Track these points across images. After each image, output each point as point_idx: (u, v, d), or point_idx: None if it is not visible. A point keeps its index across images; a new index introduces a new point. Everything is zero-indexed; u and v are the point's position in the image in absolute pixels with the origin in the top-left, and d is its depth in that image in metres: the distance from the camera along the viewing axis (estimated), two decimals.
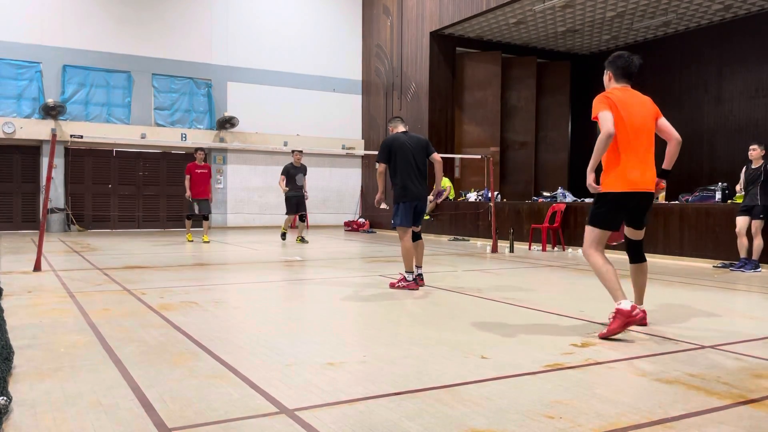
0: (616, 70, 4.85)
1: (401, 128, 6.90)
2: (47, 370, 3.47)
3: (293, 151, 13.11)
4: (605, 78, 4.92)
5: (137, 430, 2.62)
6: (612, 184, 4.54)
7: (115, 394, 3.07)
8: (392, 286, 6.78)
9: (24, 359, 3.66)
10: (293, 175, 12.85)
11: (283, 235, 13.04)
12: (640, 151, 4.63)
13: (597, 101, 4.62)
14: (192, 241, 13.08)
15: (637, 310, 4.33)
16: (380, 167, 6.86)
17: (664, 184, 4.91)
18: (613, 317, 4.31)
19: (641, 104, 4.75)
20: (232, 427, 2.66)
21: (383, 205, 7.11)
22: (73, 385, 3.21)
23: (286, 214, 12.95)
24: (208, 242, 13.07)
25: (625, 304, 4.29)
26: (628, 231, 4.83)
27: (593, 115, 4.59)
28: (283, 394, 3.09)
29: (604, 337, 4.29)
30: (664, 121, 4.90)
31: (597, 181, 4.63)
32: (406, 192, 6.66)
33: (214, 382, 3.28)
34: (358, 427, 2.66)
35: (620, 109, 4.59)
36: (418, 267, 6.87)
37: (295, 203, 12.77)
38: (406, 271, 6.71)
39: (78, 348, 3.97)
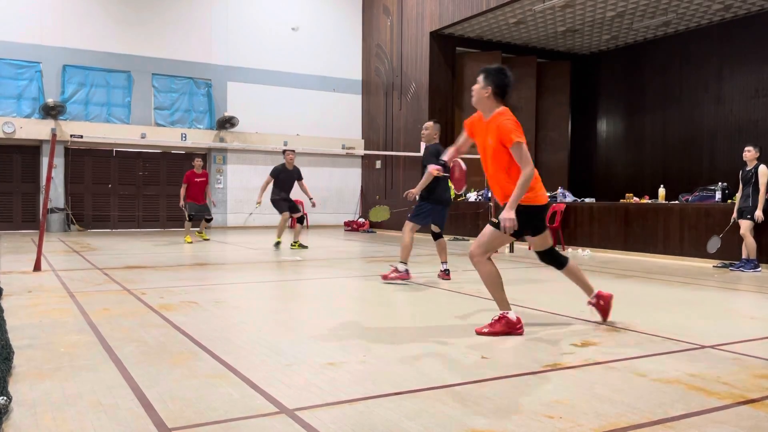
0: (502, 88, 4.42)
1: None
2: (47, 370, 3.47)
3: (285, 151, 11.45)
4: (484, 92, 4.42)
5: (137, 430, 2.62)
6: (541, 197, 4.51)
7: (115, 394, 3.07)
8: (385, 277, 7.12)
9: (24, 359, 3.66)
10: (283, 179, 11.17)
11: (277, 244, 11.34)
12: None
13: (513, 122, 4.32)
14: (191, 242, 12.78)
15: (521, 324, 4.46)
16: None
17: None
18: (498, 320, 4.45)
19: None
20: (232, 427, 2.66)
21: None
22: (73, 385, 3.21)
23: (280, 212, 11.31)
24: (208, 239, 13.10)
25: (513, 315, 4.45)
26: (532, 242, 4.74)
27: (515, 137, 4.25)
28: (283, 394, 3.09)
29: (480, 333, 4.42)
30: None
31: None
32: (443, 196, 7.23)
33: (214, 382, 3.27)
34: (358, 427, 2.66)
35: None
36: (444, 263, 7.44)
37: (287, 203, 11.27)
38: (400, 262, 7.10)
39: (78, 348, 3.97)
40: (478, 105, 4.51)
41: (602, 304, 4.85)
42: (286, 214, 11.21)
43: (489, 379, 3.39)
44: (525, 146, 4.29)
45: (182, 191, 12.77)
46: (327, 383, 3.30)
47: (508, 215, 4.25)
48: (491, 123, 4.42)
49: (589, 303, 4.89)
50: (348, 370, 3.57)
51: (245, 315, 5.36)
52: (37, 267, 7.85)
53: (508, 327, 4.41)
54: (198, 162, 12.99)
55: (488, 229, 4.46)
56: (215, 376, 3.40)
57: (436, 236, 7.55)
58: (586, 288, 4.86)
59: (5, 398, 2.79)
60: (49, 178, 8.67)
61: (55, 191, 15.93)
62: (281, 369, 3.55)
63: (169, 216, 17.82)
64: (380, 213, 9.81)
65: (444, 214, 7.37)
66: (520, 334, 4.42)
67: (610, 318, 4.89)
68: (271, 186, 11.34)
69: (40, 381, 3.26)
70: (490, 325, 4.47)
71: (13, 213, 16.18)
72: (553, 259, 4.79)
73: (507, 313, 4.46)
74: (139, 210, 17.51)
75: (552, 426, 2.69)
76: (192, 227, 13.37)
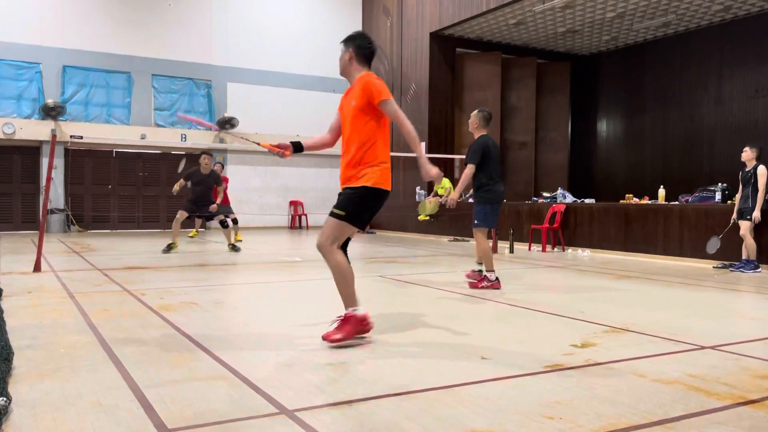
0: (361, 50, 4.25)
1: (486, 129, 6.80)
2: (47, 370, 3.47)
3: (203, 154, 10.85)
4: (346, 56, 4.27)
5: (137, 430, 2.62)
6: (383, 180, 4.12)
7: (115, 394, 3.07)
8: (475, 287, 6.61)
9: (24, 360, 3.65)
10: (196, 182, 10.58)
11: (170, 246, 10.45)
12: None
13: (380, 82, 4.13)
14: (193, 237, 13.18)
15: (369, 320, 4.08)
16: (471, 169, 6.63)
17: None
18: (345, 321, 4.02)
19: None
20: (232, 428, 2.66)
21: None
22: (73, 385, 3.21)
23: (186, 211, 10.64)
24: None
25: (360, 312, 4.03)
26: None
27: (381, 96, 4.04)
28: (283, 394, 3.09)
29: (334, 342, 3.98)
30: None
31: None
32: (497, 193, 6.70)
33: (214, 383, 3.27)
34: (358, 427, 2.66)
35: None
36: (481, 263, 6.85)
37: (195, 203, 10.69)
38: (487, 271, 6.64)
39: (78, 348, 3.97)
40: (343, 73, 4.35)
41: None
42: (181, 218, 10.69)
43: (489, 379, 3.39)
44: (392, 101, 4.07)
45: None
46: (327, 383, 3.30)
47: (430, 169, 4.10)
48: (355, 85, 4.21)
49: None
50: (348, 370, 3.57)
51: (245, 316, 5.36)
52: (37, 268, 7.84)
53: (358, 326, 4.02)
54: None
55: (331, 220, 4.14)
56: (215, 376, 3.40)
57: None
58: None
59: (5, 399, 2.79)
60: (49, 179, 8.67)
61: (55, 192, 15.93)
62: (281, 369, 3.55)
63: (169, 217, 17.79)
64: (429, 207, 9.13)
65: (497, 213, 6.85)
66: (369, 329, 4.11)
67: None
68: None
69: (40, 381, 3.26)
70: (338, 329, 4.02)
71: (13, 214, 16.18)
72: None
73: (354, 310, 4.04)
74: (139, 211, 17.50)
75: (552, 426, 2.69)
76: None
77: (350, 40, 4.30)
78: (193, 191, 10.78)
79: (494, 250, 11.53)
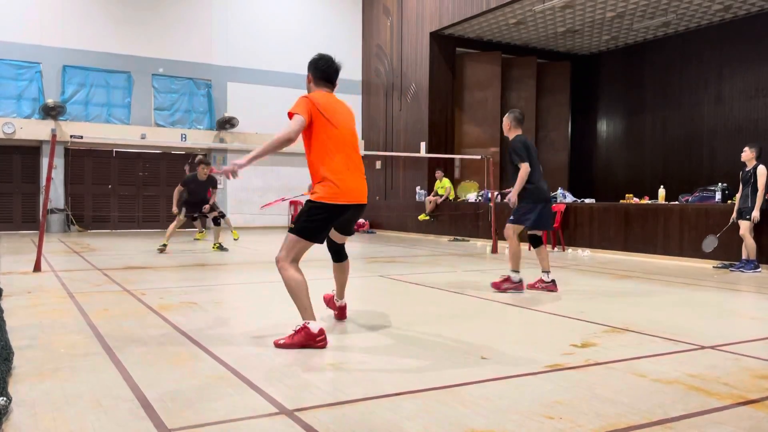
0: (316, 72, 4.34)
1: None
2: (47, 370, 3.47)
3: (200, 163, 10.92)
4: (307, 82, 4.43)
5: (137, 430, 2.62)
6: (327, 195, 4.09)
7: (115, 394, 3.07)
8: (497, 287, 6.39)
9: (24, 359, 3.65)
10: (193, 189, 10.83)
11: (164, 246, 10.70)
12: (354, 160, 4.27)
13: (300, 100, 4.17)
14: (199, 239, 13.29)
15: (323, 336, 3.98)
16: (526, 167, 6.37)
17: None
18: (297, 331, 3.98)
19: (348, 113, 4.38)
20: (232, 428, 2.66)
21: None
22: (73, 385, 3.21)
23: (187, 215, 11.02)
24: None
25: (314, 326, 3.96)
26: (334, 235, 4.64)
27: (291, 110, 4.12)
28: (283, 394, 3.09)
29: (280, 347, 3.96)
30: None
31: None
32: (539, 192, 6.46)
33: (214, 382, 3.27)
34: (358, 427, 2.66)
35: (328, 116, 4.16)
36: (547, 272, 6.58)
37: (193, 205, 11.00)
38: (512, 271, 6.39)
39: (78, 348, 3.97)
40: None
41: (339, 313, 4.99)
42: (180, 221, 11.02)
43: (489, 379, 3.39)
44: (296, 117, 4.04)
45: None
46: (327, 383, 3.30)
47: (238, 163, 4.03)
48: None
49: (334, 306, 4.99)
50: (348, 370, 3.57)
51: (245, 315, 5.36)
52: (37, 267, 7.84)
53: (306, 338, 3.94)
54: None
55: (289, 235, 4.14)
56: (215, 376, 3.40)
57: (537, 242, 6.69)
58: (341, 290, 4.95)
59: (5, 399, 2.79)
60: (49, 179, 8.67)
61: (55, 192, 15.93)
62: (281, 369, 3.55)
63: (168, 217, 17.78)
64: (468, 187, 8.84)
65: (545, 213, 6.51)
66: (321, 346, 3.95)
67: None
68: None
69: (40, 381, 3.26)
70: (289, 336, 4.01)
71: (13, 213, 16.18)
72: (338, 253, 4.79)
73: (308, 323, 3.99)
74: (139, 210, 17.50)
75: (552, 426, 2.69)
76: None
77: (309, 64, 4.39)
78: (190, 195, 10.99)
79: (494, 250, 11.53)
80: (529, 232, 6.72)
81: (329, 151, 4.15)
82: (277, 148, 4.01)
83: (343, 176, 4.14)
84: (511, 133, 6.57)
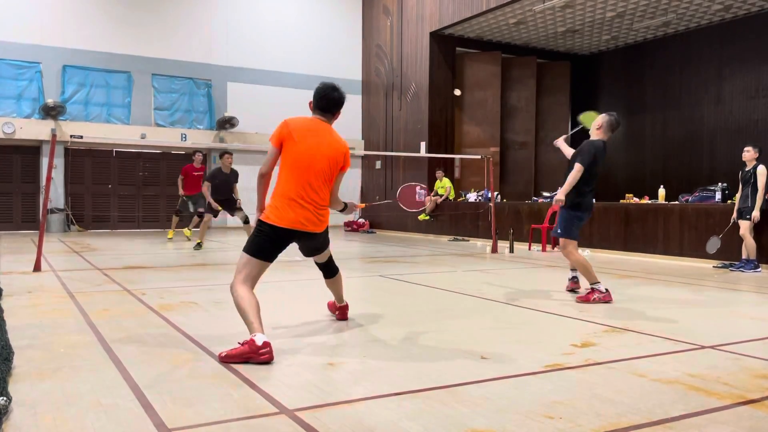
0: (314, 100, 4.45)
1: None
2: (47, 370, 3.47)
3: (226, 154, 11.18)
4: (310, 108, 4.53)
5: (137, 430, 2.62)
6: (270, 215, 4.12)
7: (115, 394, 3.07)
8: (586, 300, 5.95)
9: (24, 359, 3.66)
10: (220, 182, 11.04)
11: (199, 245, 11.18)
12: (308, 189, 4.15)
13: (279, 127, 4.34)
14: (171, 239, 13.24)
15: (267, 349, 3.71)
16: (580, 170, 6.13)
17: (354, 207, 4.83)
18: (242, 344, 3.76)
19: (329, 143, 4.29)
20: (232, 427, 2.66)
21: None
22: (73, 385, 3.21)
23: (208, 213, 11.26)
24: (190, 239, 12.91)
25: (259, 339, 3.73)
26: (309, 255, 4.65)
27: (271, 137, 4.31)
28: (283, 394, 3.09)
29: (222, 360, 3.71)
30: (340, 176, 4.41)
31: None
32: (588, 204, 6.23)
33: (214, 382, 3.28)
34: (358, 427, 2.66)
35: (297, 137, 4.21)
36: (574, 270, 6.53)
37: (220, 202, 11.15)
38: (593, 284, 6.00)
39: (78, 348, 3.97)
40: None
41: (340, 314, 5.03)
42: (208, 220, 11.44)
43: (489, 379, 3.39)
44: (271, 148, 4.25)
45: (180, 182, 13.21)
46: (327, 383, 3.31)
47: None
48: None
49: (335, 308, 5.07)
50: (348, 370, 3.57)
51: None
52: (37, 267, 7.84)
53: (250, 351, 3.70)
54: (198, 156, 13.27)
55: (241, 253, 4.14)
56: (215, 376, 3.40)
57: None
58: (339, 297, 5.00)
59: (5, 398, 2.79)
60: (49, 179, 8.67)
61: (55, 191, 15.92)
62: (281, 369, 3.55)
63: (168, 216, 17.80)
64: (590, 117, 8.54)
65: (582, 222, 6.35)
66: (265, 361, 3.66)
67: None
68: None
69: (40, 381, 3.26)
70: (234, 348, 3.79)
71: (13, 213, 16.18)
72: (328, 268, 4.81)
73: (254, 336, 3.74)
74: (139, 210, 17.50)
75: (552, 426, 2.69)
76: (177, 226, 13.67)
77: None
78: (216, 190, 11.09)
79: (494, 250, 11.53)
80: (553, 233, 6.69)
81: (286, 172, 4.18)
82: (261, 186, 4.26)
83: (285, 203, 4.11)
84: (596, 134, 6.30)
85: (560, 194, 6.21)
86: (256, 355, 3.69)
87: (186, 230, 13.55)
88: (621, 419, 2.78)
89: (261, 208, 4.25)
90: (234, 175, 11.32)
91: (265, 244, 4.12)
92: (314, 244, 4.45)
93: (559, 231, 6.27)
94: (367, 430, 2.63)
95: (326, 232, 4.45)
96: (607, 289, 6.01)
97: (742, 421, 2.78)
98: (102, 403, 2.94)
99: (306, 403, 2.96)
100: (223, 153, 11.26)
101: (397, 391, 3.14)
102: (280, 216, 4.09)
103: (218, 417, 2.76)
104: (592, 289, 5.98)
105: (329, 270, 4.82)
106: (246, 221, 11.24)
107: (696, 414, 2.86)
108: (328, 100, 4.37)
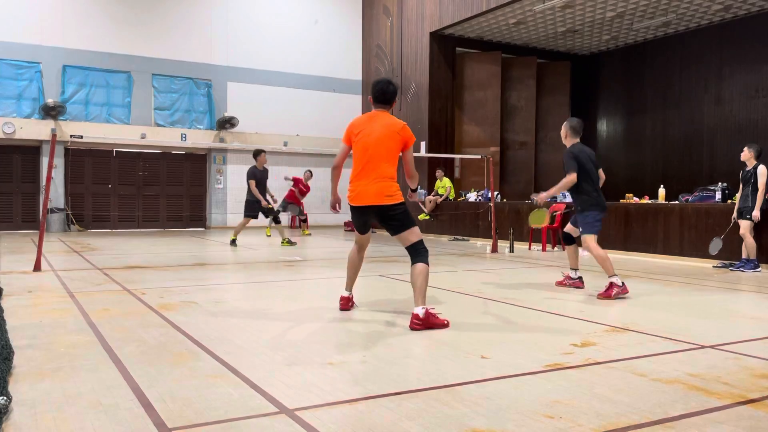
0: (372, 94, 5.11)
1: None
2: (47, 370, 3.47)
3: (262, 152, 11.85)
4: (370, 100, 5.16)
5: (137, 430, 2.62)
6: (349, 197, 5.03)
7: (115, 394, 3.07)
8: (607, 296, 6.13)
9: (24, 359, 3.66)
10: (260, 179, 11.77)
11: (233, 241, 11.93)
12: (367, 168, 4.90)
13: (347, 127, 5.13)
14: (270, 236, 14.56)
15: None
16: (573, 177, 6.33)
17: (414, 195, 5.46)
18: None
19: (378, 128, 4.93)
20: (232, 427, 2.66)
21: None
22: (73, 385, 3.21)
23: (254, 216, 11.92)
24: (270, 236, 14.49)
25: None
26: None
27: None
28: (283, 394, 3.09)
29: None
30: (407, 154, 5.07)
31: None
32: (604, 200, 6.51)
33: (214, 382, 3.28)
34: (358, 427, 2.66)
35: (356, 135, 4.97)
36: (576, 269, 6.88)
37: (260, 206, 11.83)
38: (611, 277, 6.22)
39: (78, 348, 3.97)
40: None
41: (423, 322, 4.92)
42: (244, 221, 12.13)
43: (489, 379, 3.39)
44: (341, 145, 5.18)
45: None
46: (327, 383, 3.30)
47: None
48: None
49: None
50: (348, 370, 3.57)
51: (245, 315, 5.35)
52: (37, 267, 7.85)
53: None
54: (306, 174, 15.41)
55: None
56: (215, 376, 3.40)
57: (571, 240, 6.88)
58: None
59: (5, 398, 2.79)
60: (49, 179, 8.67)
61: (55, 191, 15.93)
62: (281, 369, 3.55)
63: (169, 216, 17.83)
64: (539, 216, 8.86)
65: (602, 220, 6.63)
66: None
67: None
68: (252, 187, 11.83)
69: (40, 381, 3.26)
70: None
71: (13, 213, 16.18)
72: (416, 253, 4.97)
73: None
74: (139, 210, 17.51)
75: (552, 426, 2.69)
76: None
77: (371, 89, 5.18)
78: (260, 187, 11.81)
79: (494, 249, 11.53)
80: (565, 230, 6.92)
81: (353, 160, 5.03)
82: (333, 177, 5.18)
83: (354, 186, 4.97)
84: (567, 142, 6.55)
85: (545, 195, 6.54)
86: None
87: (267, 230, 14.89)
88: (621, 419, 2.78)
89: (333, 195, 5.25)
90: (267, 173, 12.07)
91: (354, 220, 5.19)
92: (389, 217, 4.92)
93: (581, 229, 6.55)
94: (367, 430, 2.63)
95: (401, 208, 4.91)
96: (623, 282, 6.27)
97: (742, 421, 2.78)
98: (102, 403, 2.94)
99: (306, 403, 2.96)
100: (260, 151, 11.85)
101: (397, 391, 3.14)
102: (352, 197, 4.98)
103: (218, 417, 2.76)
104: (611, 284, 6.19)
105: (412, 257, 4.94)
106: (277, 221, 12.23)
107: (696, 414, 2.86)
108: (384, 93, 5.03)
